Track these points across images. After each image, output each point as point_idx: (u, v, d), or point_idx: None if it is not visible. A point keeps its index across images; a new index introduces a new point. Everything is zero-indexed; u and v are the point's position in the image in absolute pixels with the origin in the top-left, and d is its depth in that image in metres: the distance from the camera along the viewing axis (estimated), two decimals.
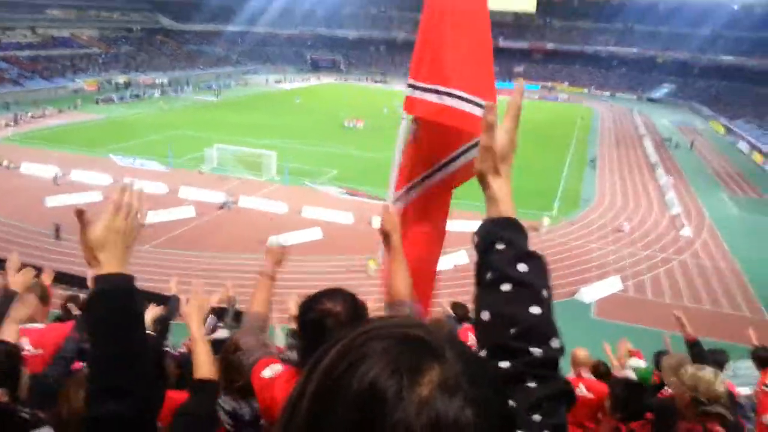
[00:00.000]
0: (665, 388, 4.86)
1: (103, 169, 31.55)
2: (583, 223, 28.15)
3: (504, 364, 1.02)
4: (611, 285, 21.00)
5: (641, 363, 5.60)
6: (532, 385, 1.00)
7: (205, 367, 2.39)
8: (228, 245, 22.86)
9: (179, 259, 21.25)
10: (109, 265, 1.34)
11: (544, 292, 1.10)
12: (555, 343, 1.06)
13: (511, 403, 0.82)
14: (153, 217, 24.04)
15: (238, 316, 6.55)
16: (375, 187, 30.96)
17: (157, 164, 33.54)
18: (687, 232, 27.57)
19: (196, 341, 2.45)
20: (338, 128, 47.48)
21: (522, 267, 1.11)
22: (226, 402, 2.81)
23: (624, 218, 29.07)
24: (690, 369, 3.52)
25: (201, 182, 30.81)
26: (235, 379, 2.69)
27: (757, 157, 47.02)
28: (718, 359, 5.94)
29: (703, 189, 36.51)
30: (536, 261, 1.14)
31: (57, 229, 22.62)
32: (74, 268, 15.06)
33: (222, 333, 5.55)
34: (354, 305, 1.93)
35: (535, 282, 1.11)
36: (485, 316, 1.08)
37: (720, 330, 16.08)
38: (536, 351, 1.03)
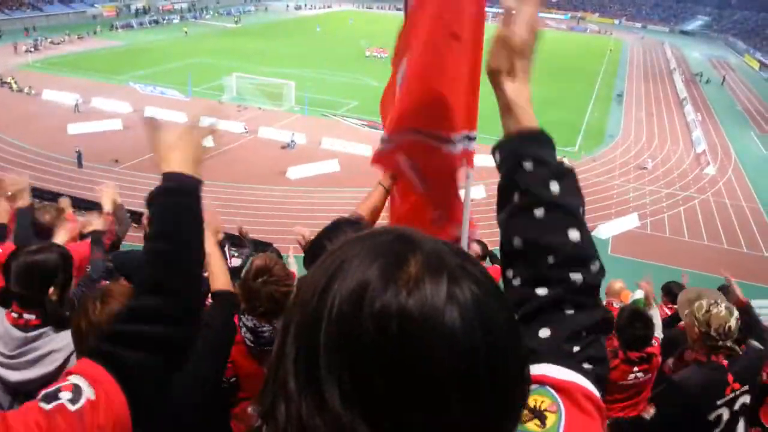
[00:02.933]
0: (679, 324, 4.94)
1: (124, 96, 31.52)
2: (605, 160, 27.73)
3: (541, 291, 0.95)
4: (628, 222, 20.89)
5: (640, 294, 5.68)
6: (570, 312, 0.94)
7: (220, 278, 2.40)
8: (246, 176, 22.98)
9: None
10: (178, 165, 1.32)
11: (580, 211, 1.01)
12: (595, 266, 0.98)
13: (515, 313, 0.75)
14: None
15: (258, 244, 6.66)
16: None
17: (176, 93, 33.39)
18: (711, 170, 27.07)
19: (209, 254, 2.46)
20: (360, 57, 46.54)
21: (554, 187, 0.99)
22: (248, 319, 2.89)
23: (648, 155, 28.55)
24: (704, 304, 3.53)
25: (219, 112, 30.68)
26: (257, 305, 2.74)
27: None
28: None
29: (732, 126, 35.55)
30: (569, 178, 1.02)
31: (79, 157, 22.87)
32: (96, 196, 15.30)
33: (236, 261, 5.65)
34: None
35: (570, 202, 1.00)
36: (517, 243, 0.99)
37: (737, 269, 16.01)
38: (576, 277, 0.95)
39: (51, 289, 2.20)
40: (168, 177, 1.31)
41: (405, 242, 0.63)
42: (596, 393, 0.88)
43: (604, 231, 19.83)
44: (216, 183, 21.91)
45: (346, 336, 0.58)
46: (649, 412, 3.53)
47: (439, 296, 0.58)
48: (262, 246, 7.26)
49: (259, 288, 2.67)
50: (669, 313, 5.83)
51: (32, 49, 42.96)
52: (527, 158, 1.02)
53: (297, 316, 0.65)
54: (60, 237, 3.56)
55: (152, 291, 1.23)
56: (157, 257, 1.26)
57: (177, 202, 1.29)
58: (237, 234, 5.98)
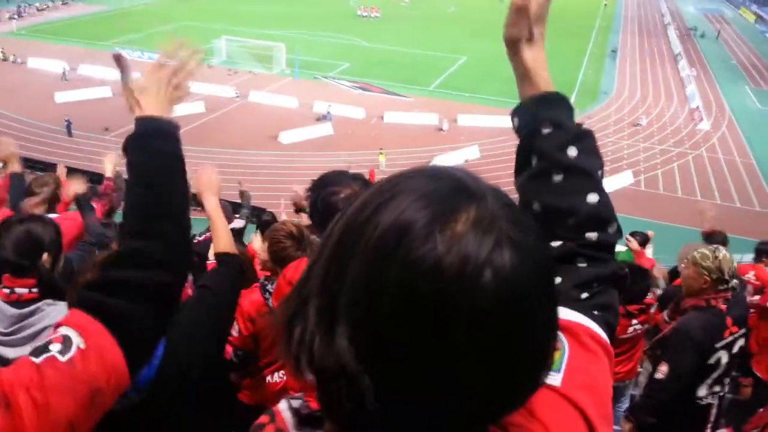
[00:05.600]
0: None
1: (111, 63, 30.67)
2: (599, 117, 27.62)
3: (555, 243, 0.96)
4: (623, 179, 20.93)
5: (621, 247, 5.78)
6: (582, 264, 0.95)
7: (224, 240, 2.35)
8: (238, 141, 22.81)
9: (189, 155, 21.13)
10: (149, 108, 1.29)
11: (598, 173, 1.01)
12: (612, 228, 0.99)
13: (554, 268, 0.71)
14: None
15: (254, 210, 6.66)
16: (389, 81, 30.38)
17: None
18: (705, 125, 27.00)
19: (212, 217, 2.43)
20: (351, 17, 45.76)
21: (572, 151, 0.99)
22: (268, 281, 2.93)
23: (642, 112, 28.43)
24: (708, 253, 3.62)
25: (210, 76, 30.28)
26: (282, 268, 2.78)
27: None
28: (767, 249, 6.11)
29: (727, 81, 35.32)
30: (587, 140, 1.02)
31: (68, 126, 22.61)
32: (87, 165, 15.21)
33: (239, 222, 5.64)
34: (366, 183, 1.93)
35: (588, 165, 1.00)
36: (536, 206, 1.00)
37: (729, 225, 16.13)
38: (591, 235, 0.97)
39: (45, 257, 2.19)
40: (141, 122, 1.28)
41: (463, 194, 0.60)
42: (603, 335, 0.89)
43: None
44: (208, 149, 21.77)
45: (373, 277, 0.57)
46: (662, 371, 3.61)
47: (478, 259, 0.56)
48: (257, 212, 7.24)
49: (285, 253, 2.68)
50: None
51: (16, 16, 42.01)
52: (545, 122, 1.01)
53: (336, 234, 0.63)
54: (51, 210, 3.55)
55: (136, 236, 1.21)
56: (138, 203, 1.24)
57: (153, 147, 1.26)
58: (238, 194, 5.96)
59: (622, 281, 4.39)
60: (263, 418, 0.75)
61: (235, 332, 3.09)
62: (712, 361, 3.60)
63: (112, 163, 4.45)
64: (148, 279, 1.19)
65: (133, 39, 36.70)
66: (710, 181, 21.82)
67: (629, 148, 24.16)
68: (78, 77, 29.34)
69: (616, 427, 4.08)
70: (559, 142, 1.00)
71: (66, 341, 1.06)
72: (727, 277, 3.55)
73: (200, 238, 5.36)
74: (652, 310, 4.77)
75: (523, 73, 1.06)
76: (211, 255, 3.31)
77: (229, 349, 3.15)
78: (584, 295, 0.93)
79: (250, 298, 3.08)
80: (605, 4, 57.34)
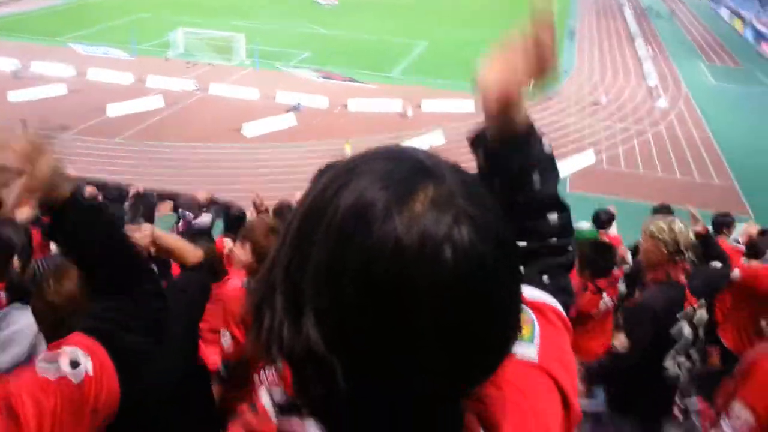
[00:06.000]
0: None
1: (65, 59, 30.11)
2: (561, 97, 27.97)
3: (520, 243, 1.02)
4: (584, 158, 21.26)
5: (587, 225, 5.90)
6: (546, 258, 1.03)
7: (188, 256, 2.32)
8: (199, 135, 22.45)
9: (150, 151, 20.86)
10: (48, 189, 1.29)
11: (557, 186, 1.06)
12: (571, 230, 1.08)
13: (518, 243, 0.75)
14: (120, 108, 23.37)
15: (219, 206, 6.62)
16: (350, 68, 30.20)
17: (120, 52, 32.07)
18: (663, 103, 27.59)
19: (165, 245, 2.35)
20: (309, 5, 45.28)
21: (536, 183, 1.01)
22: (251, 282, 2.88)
23: (602, 90, 28.88)
24: (664, 226, 3.70)
25: (168, 70, 29.67)
26: None
27: (738, 24, 46.15)
28: (725, 221, 6.29)
29: (682, 59, 36.08)
30: (552, 163, 1.06)
31: (24, 126, 21.95)
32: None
33: (206, 217, 5.57)
34: None
35: (548, 190, 1.04)
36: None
37: (690, 198, 16.55)
38: (553, 240, 1.05)
39: (15, 260, 2.15)
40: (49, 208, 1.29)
41: (421, 173, 0.61)
42: (563, 312, 0.98)
43: (561, 169, 20.06)
44: (171, 144, 21.39)
45: (335, 262, 0.57)
46: (621, 342, 3.71)
47: (437, 236, 0.56)
48: (224, 207, 7.20)
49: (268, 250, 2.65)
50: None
51: None
52: (534, 170, 1.01)
53: (297, 220, 0.64)
54: (20, 215, 3.41)
55: (122, 298, 1.29)
56: (102, 280, 1.31)
57: (77, 239, 1.29)
58: (203, 198, 5.91)
59: (571, 265, 4.51)
60: (243, 408, 0.76)
61: (225, 343, 3.01)
62: (673, 331, 3.71)
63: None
64: (142, 320, 1.29)
65: (86, 34, 35.68)
66: (670, 156, 22.32)
67: (590, 127, 24.54)
68: (31, 75, 28.42)
69: (595, 408, 4.18)
70: (531, 179, 1.01)
71: (76, 363, 1.11)
72: (682, 248, 3.64)
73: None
74: (621, 286, 4.88)
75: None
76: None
77: (214, 359, 3.09)
78: (545, 279, 1.00)
79: (239, 302, 2.98)
80: None
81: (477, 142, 1.04)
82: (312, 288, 0.58)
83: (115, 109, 23.22)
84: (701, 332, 3.93)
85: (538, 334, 0.88)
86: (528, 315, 0.90)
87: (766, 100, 29.39)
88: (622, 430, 3.97)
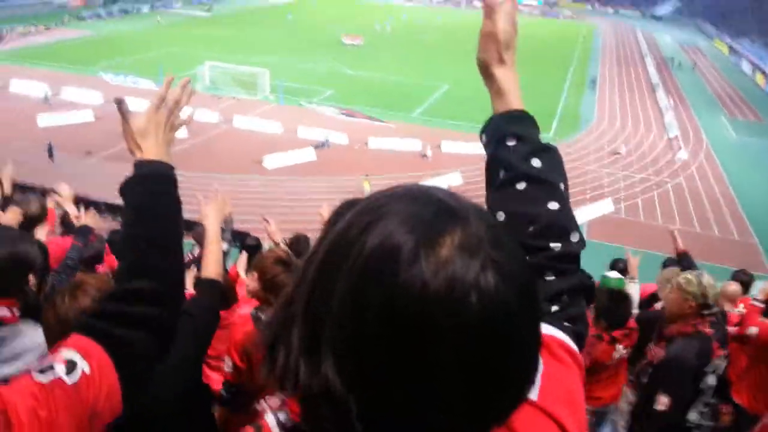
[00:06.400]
0: (655, 304, 5.12)
1: (94, 87, 30.89)
2: (580, 145, 28.03)
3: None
4: (603, 207, 21.16)
5: (615, 274, 5.83)
6: (550, 278, 0.98)
7: (213, 266, 2.35)
8: (222, 166, 22.76)
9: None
10: (149, 152, 1.34)
11: (561, 186, 1.06)
12: (575, 237, 1.03)
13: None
14: None
15: (237, 234, 6.62)
16: (372, 107, 30.62)
17: (148, 82, 32.84)
18: (683, 155, 27.49)
19: (211, 241, 2.41)
20: (335, 45, 46.21)
21: (536, 162, 1.05)
22: (260, 311, 2.88)
23: (622, 140, 28.89)
24: (692, 278, 3.66)
25: (194, 101, 30.12)
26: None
27: (760, 79, 46.20)
28: (743, 279, 6.24)
29: (704, 111, 36.10)
30: (550, 154, 1.08)
31: (50, 149, 22.41)
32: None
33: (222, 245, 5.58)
34: None
35: (551, 176, 1.06)
36: (500, 216, 1.03)
37: (708, 253, 16.35)
38: (556, 246, 1.00)
39: (31, 278, 2.16)
40: (140, 165, 1.33)
41: (446, 215, 0.61)
42: (573, 346, 0.92)
43: (579, 216, 19.97)
44: (192, 173, 21.64)
45: (359, 300, 0.57)
46: (663, 403, 3.62)
47: (465, 283, 0.56)
48: (242, 236, 7.20)
49: (280, 282, 2.65)
50: None
51: None
52: (510, 135, 1.07)
53: (321, 255, 0.63)
54: (39, 232, 3.50)
55: (136, 274, 1.25)
56: (138, 242, 1.28)
57: (152, 189, 1.31)
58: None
59: (590, 291, 4.44)
60: (247, 429, 0.75)
61: (228, 368, 3.01)
62: (702, 385, 3.63)
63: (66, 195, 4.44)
64: (149, 312, 1.23)
65: (115, 64, 36.66)
66: (689, 209, 22.13)
67: (609, 177, 24.47)
68: (60, 101, 29.15)
69: None
70: (523, 153, 1.06)
71: (70, 364, 1.07)
72: (710, 302, 3.60)
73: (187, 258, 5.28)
74: (636, 332, 4.79)
75: (495, 91, 1.15)
76: (189, 279, 3.28)
77: (218, 385, 3.08)
78: (555, 308, 0.95)
79: (243, 330, 2.97)
80: (583, 36, 58.61)
81: (483, 128, 1.14)
82: (333, 324, 0.58)
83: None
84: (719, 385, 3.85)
85: (541, 373, 0.86)
86: None
87: None
88: None
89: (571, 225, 1.03)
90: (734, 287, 6.17)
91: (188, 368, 2.11)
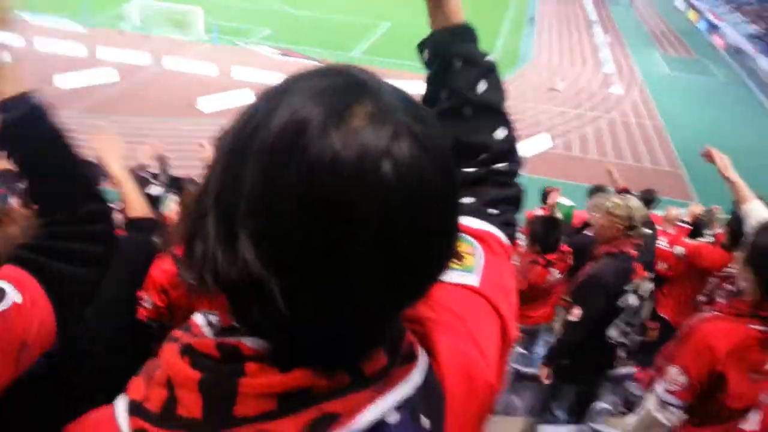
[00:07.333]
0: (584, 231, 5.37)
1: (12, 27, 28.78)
2: (519, 82, 28.23)
3: (468, 169, 1.03)
4: (541, 143, 21.56)
5: (568, 201, 6.13)
6: (492, 189, 1.04)
7: (136, 204, 2.26)
8: (155, 109, 21.90)
9: (105, 125, 20.27)
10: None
11: (503, 106, 1.09)
12: (517, 157, 1.09)
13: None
14: (73, 80, 22.57)
15: (174, 179, 6.45)
16: (311, 47, 29.86)
17: (72, 23, 30.88)
18: (617, 90, 28.12)
19: (120, 181, 2.29)
20: None
21: (482, 86, 1.05)
22: None
23: (559, 77, 29.27)
24: (619, 202, 3.83)
25: (122, 43, 28.73)
26: None
27: (692, 15, 47.20)
28: (647, 197, 6.58)
29: (638, 48, 36.72)
30: (494, 74, 1.09)
31: None
32: None
33: (155, 189, 5.43)
34: None
35: (496, 100, 1.08)
36: None
37: (639, 184, 16.96)
38: (500, 165, 1.06)
39: None
40: (5, 107, 1.26)
41: (358, 87, 0.59)
42: (506, 240, 1.01)
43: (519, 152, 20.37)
44: (124, 117, 20.80)
45: (270, 182, 0.55)
46: (575, 314, 3.82)
47: (376, 150, 0.55)
48: (178, 180, 7.06)
49: None
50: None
51: None
52: (457, 57, 1.06)
53: (228, 144, 0.62)
54: None
55: (58, 221, 1.23)
56: (45, 193, 1.25)
57: (28, 135, 1.24)
58: (147, 157, 5.73)
59: (519, 203, 4.65)
60: (176, 332, 0.73)
61: (147, 304, 2.98)
62: (621, 303, 3.84)
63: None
64: (83, 248, 1.21)
65: (35, 3, 34.21)
66: (622, 143, 22.82)
67: (547, 113, 24.87)
68: None
69: (532, 370, 4.30)
70: (470, 79, 1.06)
71: (0, 293, 1.05)
72: (637, 224, 3.78)
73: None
74: (570, 257, 5.03)
75: (433, 2, 1.11)
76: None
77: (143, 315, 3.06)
78: (493, 212, 1.02)
79: (161, 268, 2.91)
80: None
81: (424, 43, 1.12)
82: (247, 211, 0.56)
83: (63, 81, 22.41)
84: (648, 304, 4.09)
85: (481, 265, 0.91)
86: (473, 246, 0.92)
87: (717, 90, 30.29)
88: (561, 395, 4.10)
89: (516, 147, 1.10)
90: (675, 212, 6.52)
91: (123, 305, 2.08)
